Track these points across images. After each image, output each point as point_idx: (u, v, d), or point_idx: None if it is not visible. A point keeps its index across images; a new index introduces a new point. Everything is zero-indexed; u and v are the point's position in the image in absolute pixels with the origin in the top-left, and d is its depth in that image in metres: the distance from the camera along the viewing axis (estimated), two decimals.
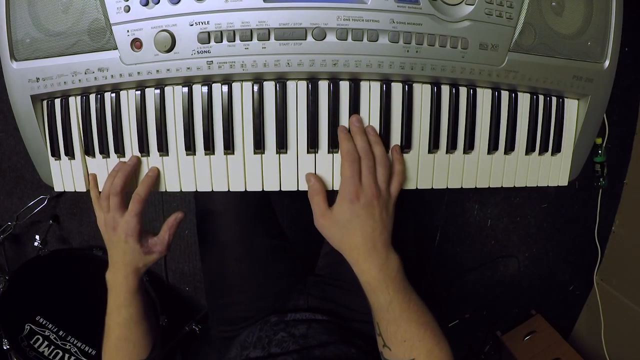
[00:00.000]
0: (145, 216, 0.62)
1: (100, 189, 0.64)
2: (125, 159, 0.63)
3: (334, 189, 0.63)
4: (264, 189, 0.63)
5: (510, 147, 0.67)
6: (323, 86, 0.61)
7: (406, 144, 0.63)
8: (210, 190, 0.63)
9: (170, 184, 0.64)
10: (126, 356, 0.63)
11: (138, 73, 0.59)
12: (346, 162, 0.57)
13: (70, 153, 0.64)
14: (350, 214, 0.56)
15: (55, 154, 0.64)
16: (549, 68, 0.64)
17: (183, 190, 0.64)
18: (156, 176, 0.63)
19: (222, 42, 0.57)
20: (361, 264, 0.56)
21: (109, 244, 0.63)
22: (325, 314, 0.78)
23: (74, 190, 0.65)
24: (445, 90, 0.63)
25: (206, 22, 0.57)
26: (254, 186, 0.63)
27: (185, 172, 0.63)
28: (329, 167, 0.63)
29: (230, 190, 0.63)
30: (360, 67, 0.59)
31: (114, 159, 0.64)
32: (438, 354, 0.54)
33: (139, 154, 0.63)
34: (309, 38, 0.58)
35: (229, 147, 0.62)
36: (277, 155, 0.62)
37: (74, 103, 0.63)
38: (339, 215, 0.56)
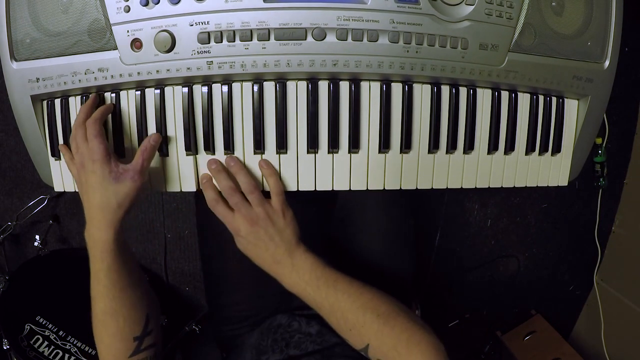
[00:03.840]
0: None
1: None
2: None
3: (334, 188, 0.64)
4: (264, 190, 0.63)
5: (510, 147, 0.67)
6: (323, 86, 0.61)
7: (406, 144, 0.63)
8: None
9: (170, 184, 0.64)
10: (117, 334, 0.56)
11: (138, 73, 0.59)
12: (212, 209, 0.61)
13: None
14: (243, 245, 0.61)
15: (55, 154, 0.64)
16: (549, 68, 0.64)
17: (183, 190, 0.64)
18: (111, 107, 0.60)
19: (222, 42, 0.57)
20: (276, 276, 0.61)
21: (82, 191, 0.58)
22: None
23: (74, 190, 0.65)
24: (445, 90, 0.63)
25: (206, 22, 0.57)
26: None
27: (185, 173, 0.63)
28: (329, 167, 0.63)
29: None
30: (360, 67, 0.59)
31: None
32: (389, 332, 0.52)
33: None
34: (309, 38, 0.58)
35: (228, 147, 0.62)
36: (277, 155, 0.62)
37: (74, 103, 0.63)
38: (239, 246, 0.62)
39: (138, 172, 0.57)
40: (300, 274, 0.58)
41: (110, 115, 0.62)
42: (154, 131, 0.62)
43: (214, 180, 0.62)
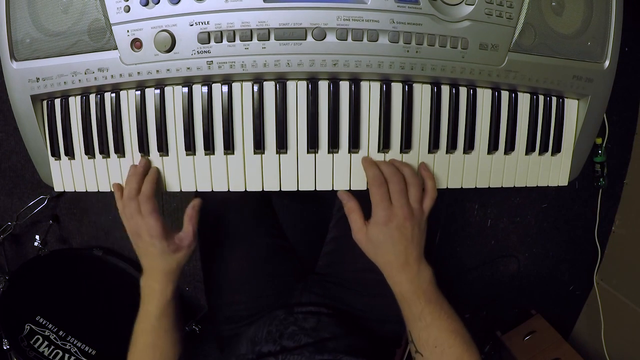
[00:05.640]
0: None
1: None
2: (125, 159, 0.63)
3: (334, 189, 0.64)
4: (264, 189, 0.63)
5: (510, 147, 0.67)
6: (323, 86, 0.61)
7: (406, 144, 0.63)
8: (210, 190, 0.63)
9: (170, 184, 0.64)
10: None
11: (138, 73, 0.59)
12: (373, 187, 0.58)
13: (70, 153, 0.64)
14: (384, 236, 0.57)
15: (55, 154, 0.64)
16: (549, 68, 0.64)
17: (183, 190, 0.64)
18: (157, 173, 0.62)
19: (222, 42, 0.57)
20: (394, 277, 0.59)
21: (138, 252, 0.63)
22: (330, 309, 0.78)
23: (74, 190, 0.65)
24: (445, 90, 0.63)
25: (206, 22, 0.57)
26: (254, 186, 0.63)
27: (185, 172, 0.63)
28: (329, 167, 0.63)
29: (230, 190, 0.63)
30: (360, 67, 0.59)
31: (114, 159, 0.64)
32: (468, 358, 0.56)
33: (139, 154, 0.63)
34: (309, 38, 0.58)
35: (229, 147, 0.62)
36: (277, 155, 0.62)
37: (74, 103, 0.63)
38: (373, 236, 0.58)
39: (192, 240, 0.63)
40: (421, 282, 0.58)
41: (110, 115, 0.62)
42: (154, 131, 0.62)
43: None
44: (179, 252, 0.62)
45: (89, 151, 0.64)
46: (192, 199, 0.65)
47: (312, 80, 0.61)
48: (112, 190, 0.63)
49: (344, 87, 0.61)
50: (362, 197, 0.61)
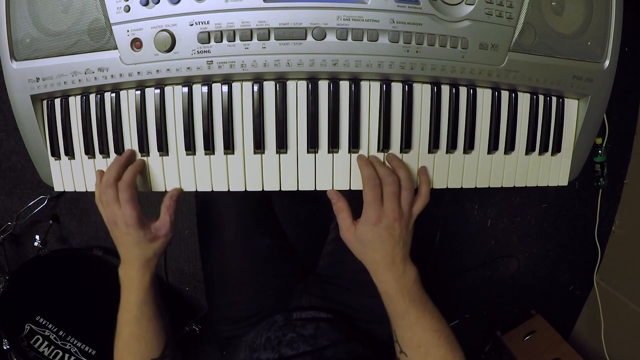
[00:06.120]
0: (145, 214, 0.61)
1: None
2: None
3: (334, 188, 0.64)
4: (264, 189, 0.63)
5: (510, 147, 0.67)
6: (323, 86, 0.61)
7: (406, 144, 0.63)
8: (211, 190, 0.63)
9: (170, 184, 0.64)
10: (137, 354, 0.62)
11: (138, 73, 0.59)
12: (367, 187, 0.59)
13: (70, 153, 0.64)
14: (372, 235, 0.58)
15: (55, 154, 0.64)
16: (549, 68, 0.64)
17: (183, 190, 0.64)
18: (142, 165, 0.62)
19: (222, 42, 0.57)
20: (380, 275, 0.59)
21: (115, 241, 0.62)
22: (329, 313, 0.78)
23: (74, 190, 0.66)
24: (445, 90, 0.63)
25: (206, 22, 0.57)
26: (254, 186, 0.63)
27: (185, 172, 0.63)
28: (329, 167, 0.63)
29: (230, 190, 0.63)
30: (360, 67, 0.59)
31: (114, 159, 0.63)
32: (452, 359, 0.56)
33: (139, 154, 0.63)
34: (309, 38, 0.58)
35: (229, 147, 0.62)
36: (277, 155, 0.62)
37: (74, 103, 0.63)
38: (362, 235, 0.59)
39: (168, 229, 0.62)
40: (406, 282, 0.58)
41: (110, 115, 0.62)
42: (154, 130, 0.62)
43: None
44: (155, 242, 0.61)
45: (89, 151, 0.64)
46: (170, 190, 0.64)
47: (312, 80, 0.61)
48: (97, 176, 0.62)
49: (344, 86, 0.61)
50: (351, 198, 0.61)
